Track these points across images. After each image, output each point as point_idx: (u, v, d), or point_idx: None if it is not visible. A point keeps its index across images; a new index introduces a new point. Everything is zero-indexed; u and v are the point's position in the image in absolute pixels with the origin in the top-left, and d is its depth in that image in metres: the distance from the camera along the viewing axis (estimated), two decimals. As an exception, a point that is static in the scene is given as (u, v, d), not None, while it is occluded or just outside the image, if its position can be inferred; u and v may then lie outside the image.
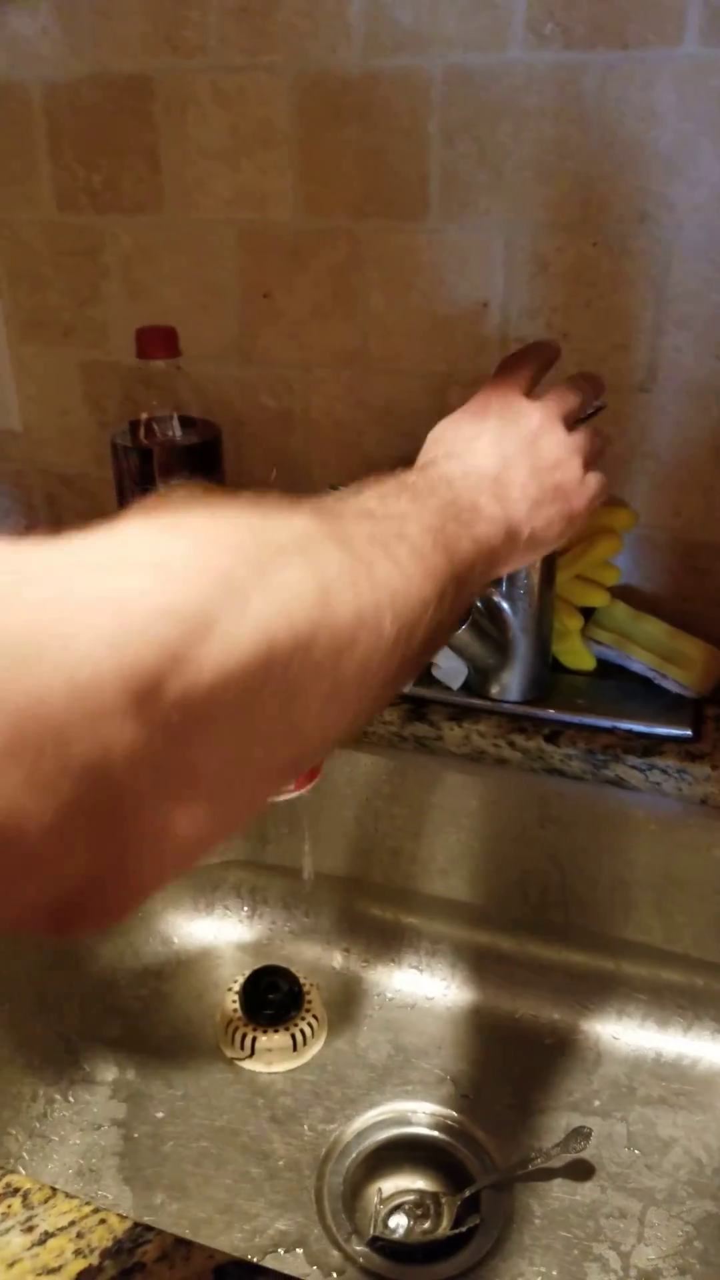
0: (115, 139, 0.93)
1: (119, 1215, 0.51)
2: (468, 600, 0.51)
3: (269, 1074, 0.85)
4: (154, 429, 0.91)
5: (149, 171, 0.94)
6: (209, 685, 0.31)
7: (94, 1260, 0.49)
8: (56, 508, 1.12)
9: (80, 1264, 0.49)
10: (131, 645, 0.29)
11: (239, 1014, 0.87)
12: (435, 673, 0.89)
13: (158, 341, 0.90)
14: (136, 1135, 0.80)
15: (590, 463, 0.62)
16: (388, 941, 0.94)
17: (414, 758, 0.89)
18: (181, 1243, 0.49)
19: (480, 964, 0.91)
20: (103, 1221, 0.51)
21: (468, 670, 0.88)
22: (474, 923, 0.92)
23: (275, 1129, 0.80)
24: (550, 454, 0.59)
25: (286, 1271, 0.53)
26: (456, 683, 0.89)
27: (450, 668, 0.88)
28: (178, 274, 0.97)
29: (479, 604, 0.83)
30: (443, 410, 0.92)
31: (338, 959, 0.94)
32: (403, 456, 0.57)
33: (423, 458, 0.59)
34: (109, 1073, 0.84)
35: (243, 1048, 0.85)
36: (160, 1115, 0.81)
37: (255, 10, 0.85)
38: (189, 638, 0.30)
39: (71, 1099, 0.82)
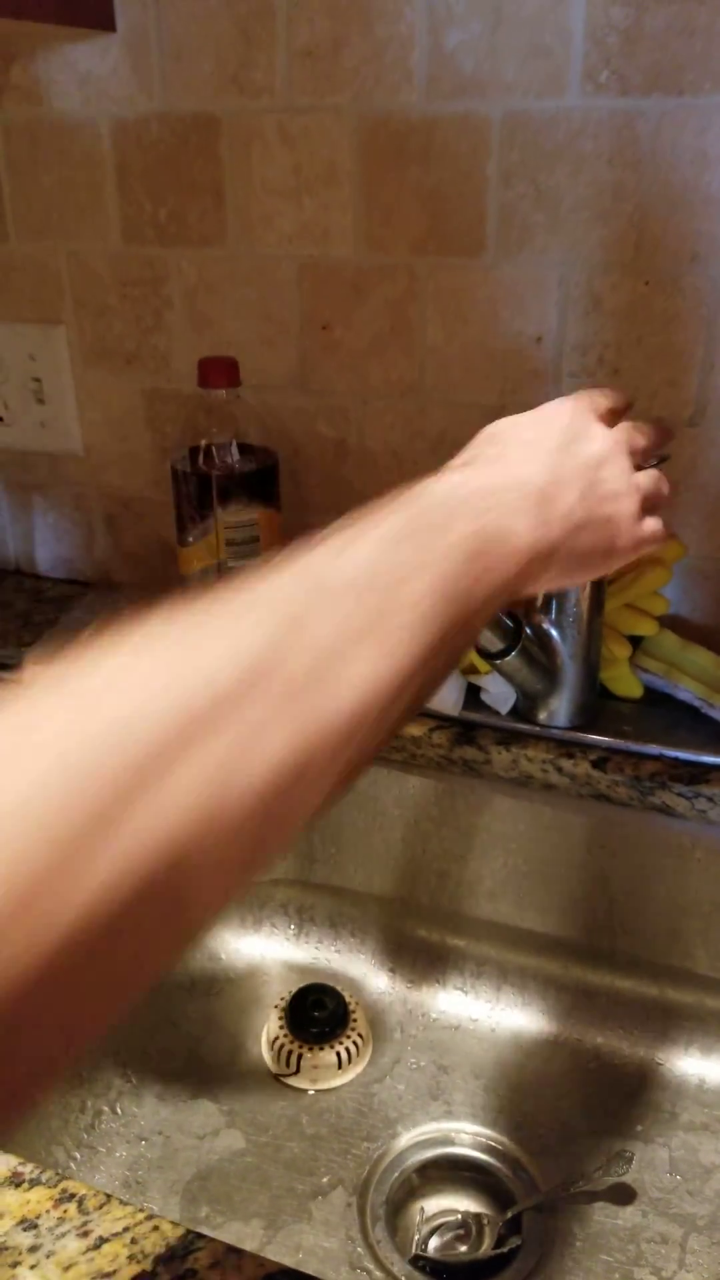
0: (182, 175, 0.96)
1: (171, 1222, 0.52)
2: (466, 643, 0.48)
3: (314, 1091, 0.86)
4: (213, 455, 0.94)
5: (214, 207, 0.96)
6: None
7: (147, 1266, 0.50)
8: (116, 528, 1.14)
9: (134, 1269, 0.50)
10: None
11: (285, 1031, 0.89)
12: (484, 697, 0.90)
13: (219, 371, 0.93)
14: (182, 1149, 0.81)
15: (650, 507, 0.59)
16: (433, 963, 0.95)
17: (462, 781, 0.90)
18: (233, 1250, 0.50)
19: (525, 987, 0.92)
20: (156, 1228, 0.51)
21: (516, 696, 0.89)
22: (519, 946, 0.92)
23: (319, 1146, 0.82)
24: (610, 484, 0.55)
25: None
26: (505, 708, 0.90)
27: (499, 693, 0.90)
28: (240, 306, 0.99)
29: (528, 630, 0.84)
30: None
31: (383, 979, 0.96)
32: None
33: (469, 451, 0.55)
34: (156, 1086, 0.86)
35: (288, 1065, 0.87)
36: (206, 1130, 0.83)
37: (321, 54, 0.87)
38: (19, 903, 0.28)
39: (119, 1110, 0.83)
